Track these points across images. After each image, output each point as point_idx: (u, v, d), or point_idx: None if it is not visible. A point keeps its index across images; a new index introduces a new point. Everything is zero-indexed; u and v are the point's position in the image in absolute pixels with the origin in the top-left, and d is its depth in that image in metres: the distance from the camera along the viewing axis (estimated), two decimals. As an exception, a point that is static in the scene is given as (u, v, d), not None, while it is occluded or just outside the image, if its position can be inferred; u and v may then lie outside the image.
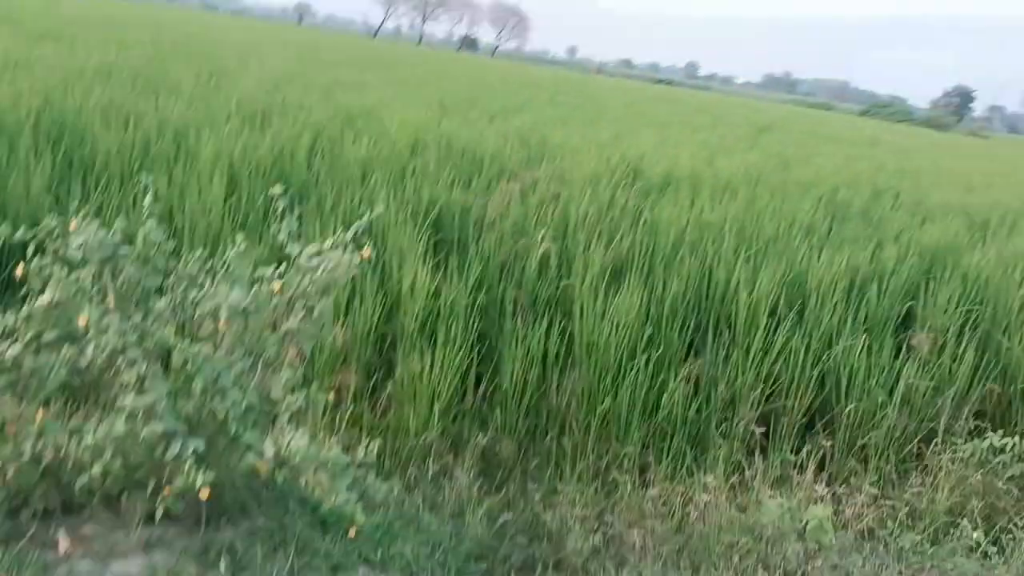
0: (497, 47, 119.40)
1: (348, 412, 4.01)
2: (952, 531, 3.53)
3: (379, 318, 4.49)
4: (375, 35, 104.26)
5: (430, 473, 3.80)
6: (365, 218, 3.11)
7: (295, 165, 6.04)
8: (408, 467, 3.83)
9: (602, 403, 4.32)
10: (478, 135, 8.25)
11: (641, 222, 5.88)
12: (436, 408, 4.06)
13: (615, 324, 4.55)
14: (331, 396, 3.39)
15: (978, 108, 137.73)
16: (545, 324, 4.56)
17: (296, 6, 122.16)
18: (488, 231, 5.42)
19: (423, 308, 4.50)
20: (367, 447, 3.04)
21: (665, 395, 4.39)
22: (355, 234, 3.03)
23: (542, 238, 5.29)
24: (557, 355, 4.53)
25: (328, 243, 3.01)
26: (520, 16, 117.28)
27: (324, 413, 3.81)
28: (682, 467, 4.12)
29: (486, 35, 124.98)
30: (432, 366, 4.16)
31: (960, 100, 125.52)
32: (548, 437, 4.33)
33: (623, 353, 4.52)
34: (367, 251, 2.91)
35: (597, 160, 7.63)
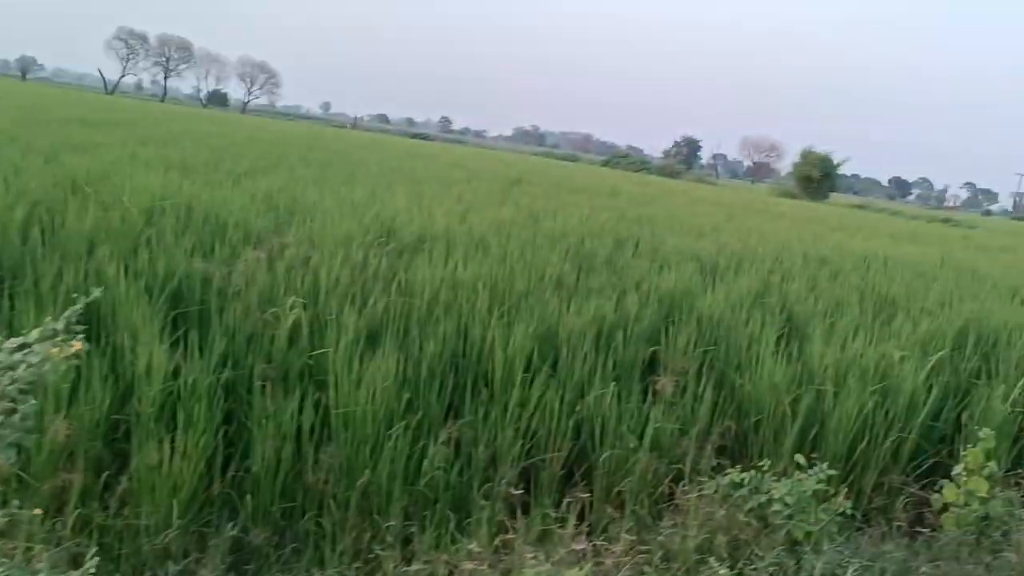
0: (247, 103, 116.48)
1: (73, 517, 3.57)
2: (702, 568, 3.69)
3: (110, 406, 4.08)
4: (112, 91, 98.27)
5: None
6: (80, 303, 2.79)
7: (7, 241, 5.43)
8: (144, 573, 3.46)
9: (361, 476, 4.16)
10: (223, 198, 7.86)
11: (395, 284, 5.82)
12: (177, 501, 3.72)
13: (371, 392, 4.42)
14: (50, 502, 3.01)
15: (704, 156, 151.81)
16: (298, 398, 4.35)
17: (18, 59, 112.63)
18: (233, 302, 5.13)
19: (160, 391, 4.14)
20: (90, 558, 2.69)
21: (426, 461, 4.30)
22: (67, 323, 2.71)
23: (291, 306, 5.07)
24: (312, 429, 4.33)
25: (35, 334, 2.67)
26: (270, 72, 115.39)
27: (44, 520, 3.37)
28: (446, 534, 4.04)
29: (236, 91, 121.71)
30: (172, 454, 3.82)
31: (688, 149, 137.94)
32: (305, 518, 4.10)
33: (381, 421, 4.40)
34: (78, 344, 2.60)
35: (350, 221, 7.50)
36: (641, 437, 4.80)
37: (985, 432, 4.89)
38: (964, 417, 5.63)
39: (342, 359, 4.59)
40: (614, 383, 5.06)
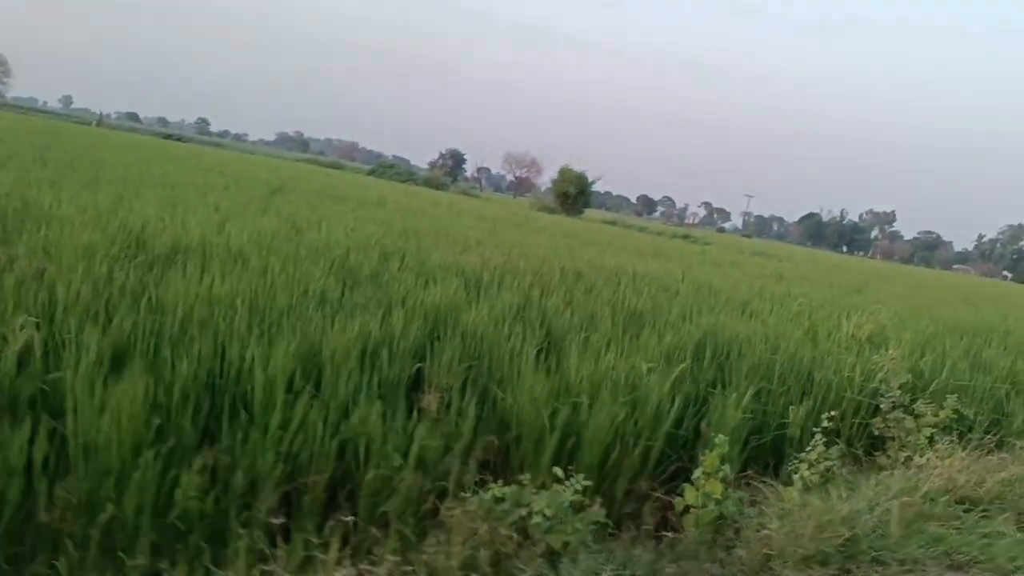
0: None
1: None
2: (465, 585, 3.75)
3: None
4: None
5: None
6: None
7: None
8: None
9: (104, 510, 3.84)
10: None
11: (145, 300, 5.44)
12: None
13: (116, 418, 4.10)
14: None
15: (469, 169, 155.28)
16: (28, 428, 3.94)
17: None
18: (-51, 321, 4.57)
19: None
20: None
21: (178, 490, 4.05)
22: None
23: (22, 325, 4.60)
24: (46, 463, 3.94)
25: None
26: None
27: None
28: (199, 568, 3.82)
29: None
30: None
31: (454, 162, 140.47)
32: (36, 562, 3.72)
33: (128, 450, 4.08)
34: None
35: (93, 230, 6.93)
36: (406, 455, 4.80)
37: (720, 439, 5.34)
38: (703, 425, 6.11)
39: (82, 383, 4.22)
40: (379, 401, 5.02)
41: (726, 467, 5.31)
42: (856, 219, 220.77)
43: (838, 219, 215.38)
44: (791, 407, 6.67)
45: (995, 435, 7.14)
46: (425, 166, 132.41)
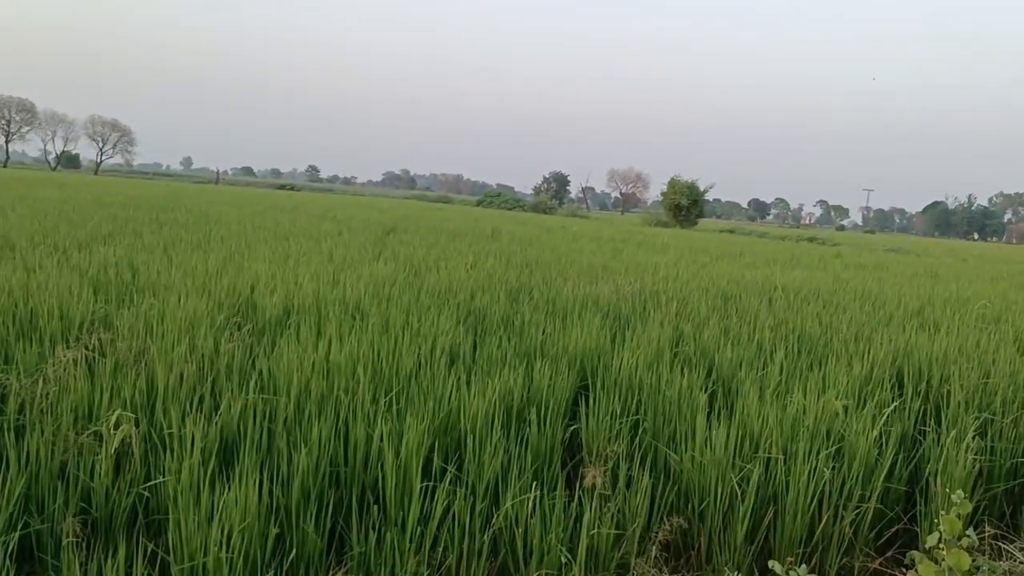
0: (101, 163, 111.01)
1: None
2: None
3: None
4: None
5: None
6: None
7: None
8: None
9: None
10: (43, 279, 6.56)
11: (255, 375, 4.74)
12: None
13: (226, 532, 3.36)
14: None
15: (573, 190, 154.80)
16: (123, 552, 3.23)
17: None
18: (37, 423, 3.95)
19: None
20: None
21: (304, 621, 3.26)
22: None
23: (117, 421, 3.94)
24: (145, 599, 3.22)
25: None
26: (122, 129, 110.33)
27: None
28: None
29: (88, 151, 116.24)
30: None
31: (558, 184, 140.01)
32: None
33: (241, 572, 3.33)
34: None
35: (198, 296, 6.35)
36: (571, 548, 3.90)
37: (958, 495, 4.22)
38: (932, 479, 4.97)
39: (186, 489, 3.51)
40: (532, 481, 4.14)
41: (972, 533, 4.18)
42: (986, 203, 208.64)
43: (966, 205, 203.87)
44: (1028, 442, 5.44)
45: None
46: (530, 192, 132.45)
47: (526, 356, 5.71)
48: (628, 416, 5.07)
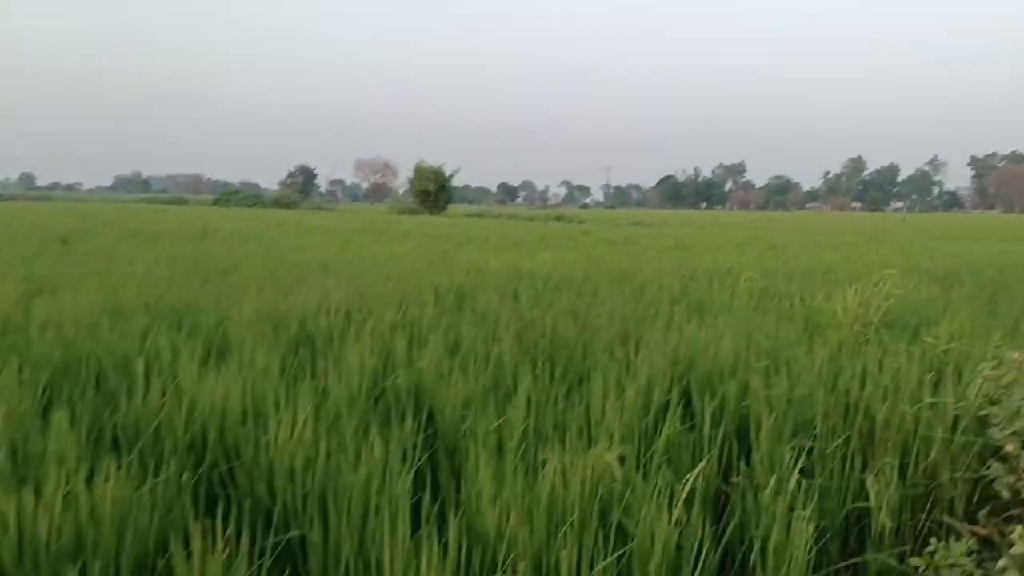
0: None
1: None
2: None
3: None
4: None
5: None
6: None
7: None
8: None
9: None
10: None
11: None
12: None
13: None
14: None
15: (322, 184, 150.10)
16: None
17: None
18: None
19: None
20: None
21: None
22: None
23: None
24: None
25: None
26: None
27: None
28: None
29: None
30: None
31: (304, 178, 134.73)
32: None
33: None
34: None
35: None
36: None
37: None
38: (736, 557, 3.25)
39: None
40: None
41: None
42: (709, 175, 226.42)
43: (693, 177, 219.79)
44: (867, 475, 3.88)
45: None
46: (275, 187, 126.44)
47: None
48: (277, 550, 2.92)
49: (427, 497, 3.07)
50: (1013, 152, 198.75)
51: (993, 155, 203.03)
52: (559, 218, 49.80)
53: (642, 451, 3.87)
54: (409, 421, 3.76)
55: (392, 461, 3.27)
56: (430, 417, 4.16)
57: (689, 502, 3.55)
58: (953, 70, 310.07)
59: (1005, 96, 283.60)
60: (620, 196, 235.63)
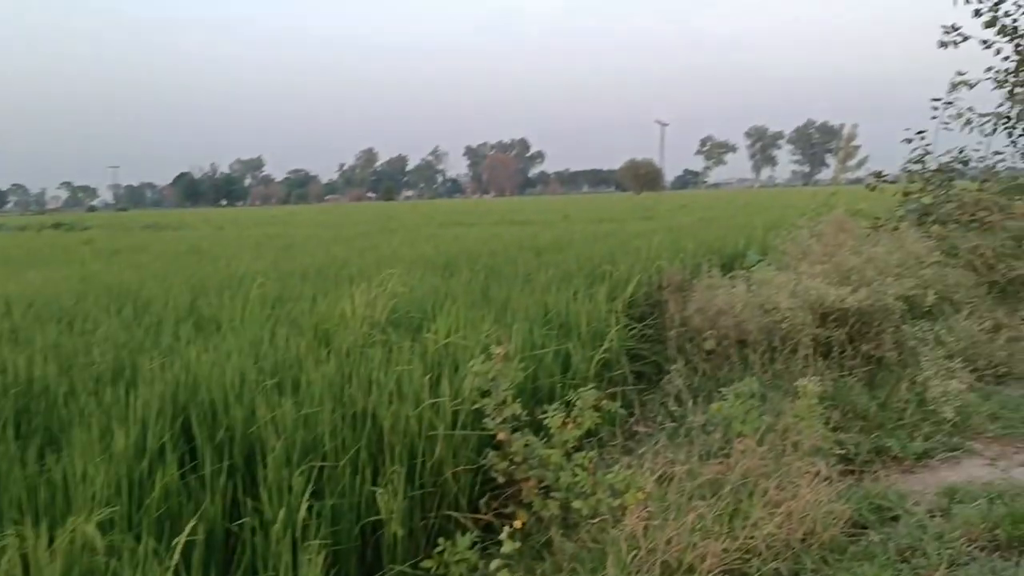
0: None
1: None
2: None
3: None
4: None
5: None
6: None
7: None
8: None
9: None
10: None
11: None
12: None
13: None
14: None
15: None
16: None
17: None
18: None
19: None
20: None
21: None
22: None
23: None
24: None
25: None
26: None
27: None
28: None
29: None
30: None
31: None
32: None
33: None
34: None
35: None
36: None
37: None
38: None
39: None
40: None
41: None
42: (228, 170, 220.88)
43: (210, 173, 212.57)
44: (378, 488, 3.87)
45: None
46: None
47: None
48: None
49: None
50: (499, 141, 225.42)
51: (484, 144, 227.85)
52: (57, 225, 44.55)
53: (134, 508, 3.43)
54: None
55: None
56: None
57: (188, 555, 3.22)
58: (448, 64, 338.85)
59: (491, 87, 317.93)
60: (134, 196, 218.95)
